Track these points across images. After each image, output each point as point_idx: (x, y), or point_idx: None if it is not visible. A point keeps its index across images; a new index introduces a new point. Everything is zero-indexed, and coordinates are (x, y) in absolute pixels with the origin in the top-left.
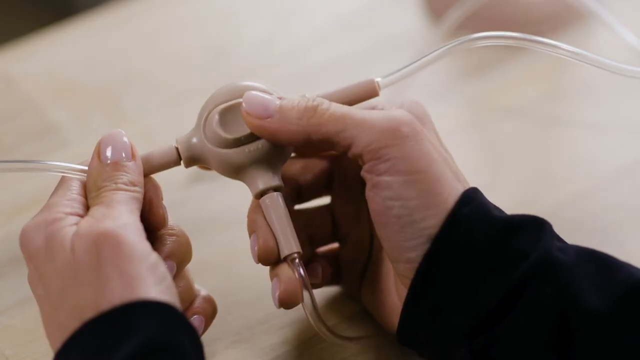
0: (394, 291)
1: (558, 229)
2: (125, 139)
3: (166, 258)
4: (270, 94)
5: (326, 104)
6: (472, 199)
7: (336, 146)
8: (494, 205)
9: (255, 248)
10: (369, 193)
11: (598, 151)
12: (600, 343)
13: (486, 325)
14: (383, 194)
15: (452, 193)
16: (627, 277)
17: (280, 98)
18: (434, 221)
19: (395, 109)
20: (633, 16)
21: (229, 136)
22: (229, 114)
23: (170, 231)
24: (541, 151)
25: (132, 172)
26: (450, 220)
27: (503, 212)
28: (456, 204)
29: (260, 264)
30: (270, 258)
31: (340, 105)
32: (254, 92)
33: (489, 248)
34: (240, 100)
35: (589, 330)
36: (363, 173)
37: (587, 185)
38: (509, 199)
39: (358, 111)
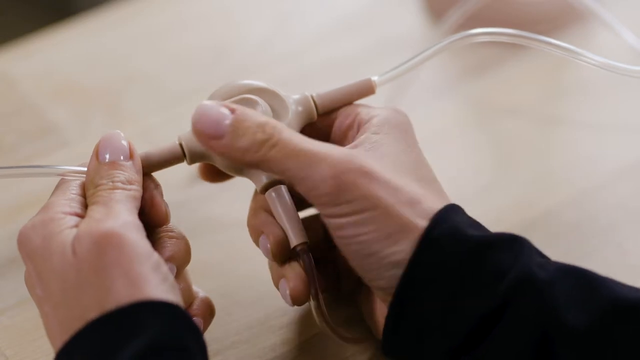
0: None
1: (557, 229)
2: (123, 141)
3: (166, 260)
4: (273, 91)
5: (275, 137)
6: (444, 219)
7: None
8: (474, 222)
9: (268, 246)
10: (329, 230)
11: (598, 151)
12: None
13: (466, 345)
14: (336, 235)
15: (412, 221)
16: (607, 293)
17: (232, 111)
18: (395, 248)
19: (353, 144)
20: (633, 16)
21: None
22: None
23: (170, 233)
24: (541, 151)
25: (130, 170)
26: (420, 245)
27: (484, 229)
28: (426, 228)
29: (260, 265)
30: (284, 252)
31: (290, 137)
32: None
33: (463, 268)
34: (246, 95)
35: (570, 348)
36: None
37: (586, 185)
38: (508, 199)
39: (305, 147)
